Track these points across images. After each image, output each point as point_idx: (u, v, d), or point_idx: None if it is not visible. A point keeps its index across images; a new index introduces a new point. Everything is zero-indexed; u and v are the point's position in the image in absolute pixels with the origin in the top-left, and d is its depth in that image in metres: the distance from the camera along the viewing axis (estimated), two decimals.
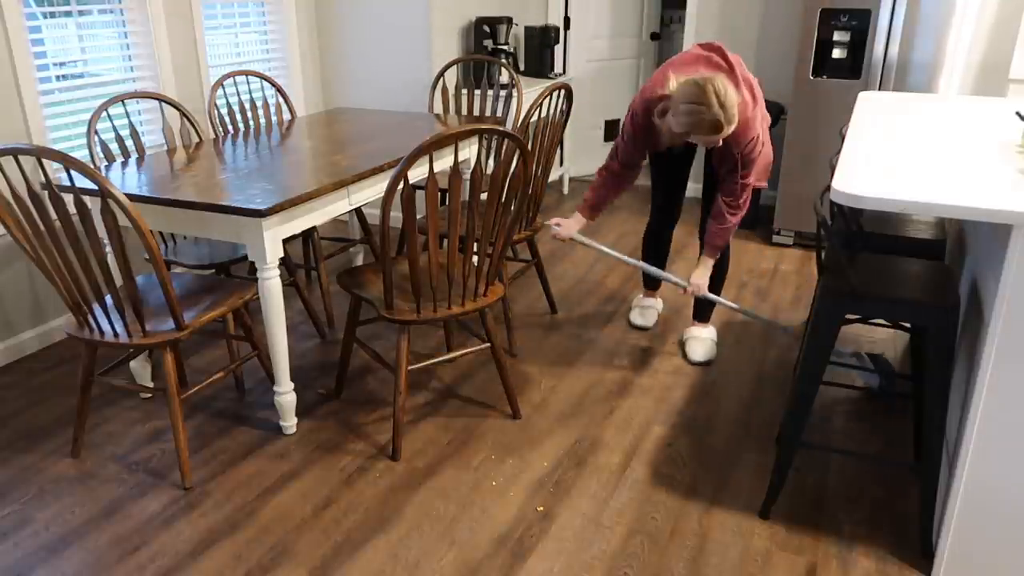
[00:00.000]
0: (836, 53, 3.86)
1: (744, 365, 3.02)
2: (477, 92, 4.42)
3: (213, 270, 2.90)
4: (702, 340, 3.07)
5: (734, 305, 2.91)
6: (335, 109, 3.76)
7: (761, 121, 2.63)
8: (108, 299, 2.50)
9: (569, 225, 2.91)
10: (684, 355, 3.08)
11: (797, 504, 2.24)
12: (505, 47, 4.45)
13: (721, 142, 2.53)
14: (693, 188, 4.98)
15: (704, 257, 2.84)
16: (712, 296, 2.91)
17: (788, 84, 4.74)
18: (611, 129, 5.73)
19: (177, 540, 2.11)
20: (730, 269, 3.94)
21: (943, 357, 1.87)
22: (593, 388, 2.86)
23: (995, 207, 1.58)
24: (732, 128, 2.43)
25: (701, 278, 2.83)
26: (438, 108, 4.31)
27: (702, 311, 3.11)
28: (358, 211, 3.51)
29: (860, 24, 3.77)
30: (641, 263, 2.98)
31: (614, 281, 3.82)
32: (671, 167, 3.01)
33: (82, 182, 2.45)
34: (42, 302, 3.16)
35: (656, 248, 3.24)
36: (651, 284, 3.35)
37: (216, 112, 3.33)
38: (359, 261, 3.96)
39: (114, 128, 2.86)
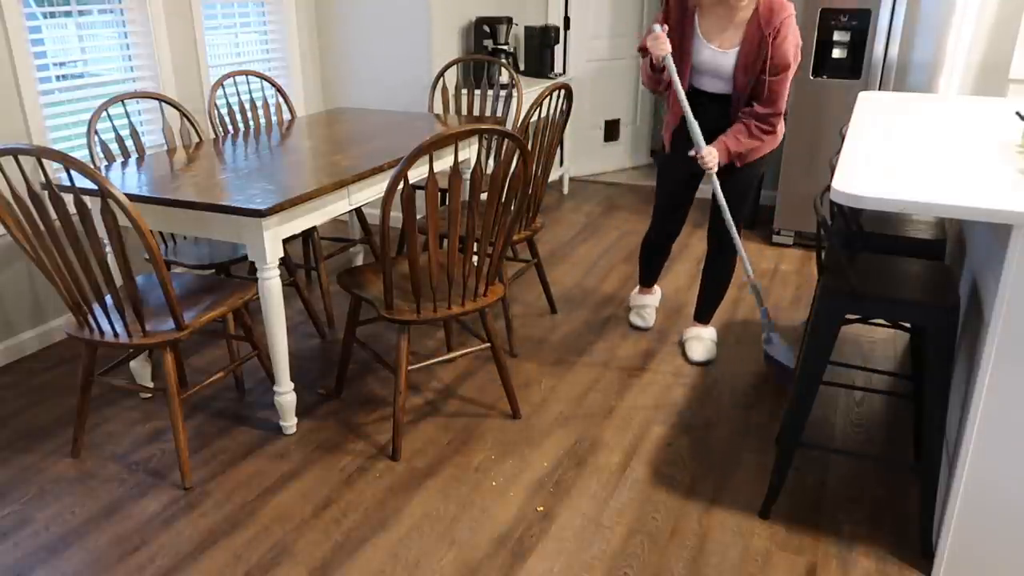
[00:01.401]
0: (836, 53, 3.86)
1: (744, 365, 3.02)
2: (477, 92, 4.42)
3: (213, 270, 2.90)
4: (702, 340, 3.06)
5: (744, 254, 2.85)
6: (335, 109, 3.76)
7: (792, 17, 2.55)
8: (108, 299, 2.50)
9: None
10: (684, 355, 3.08)
11: (797, 504, 2.24)
12: (505, 47, 4.46)
13: (751, 16, 2.50)
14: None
15: (723, 140, 2.67)
16: (717, 189, 2.76)
17: None
18: (611, 129, 5.73)
19: (177, 540, 2.11)
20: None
21: (943, 357, 1.87)
22: (593, 388, 2.86)
23: (995, 207, 1.58)
24: None
25: (717, 152, 2.66)
26: (438, 108, 4.31)
27: (704, 312, 3.09)
28: (358, 211, 3.51)
29: (860, 24, 3.77)
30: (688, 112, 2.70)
31: (614, 281, 3.82)
32: (679, 172, 2.92)
33: (82, 182, 2.45)
34: (42, 302, 3.16)
35: (651, 261, 3.21)
36: (647, 280, 3.33)
37: (216, 112, 3.33)
38: (359, 261, 3.96)
39: (114, 128, 2.86)
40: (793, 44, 2.55)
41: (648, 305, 3.34)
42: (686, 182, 2.93)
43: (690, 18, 2.65)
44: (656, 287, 3.39)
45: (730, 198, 2.84)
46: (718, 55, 2.64)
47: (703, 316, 3.10)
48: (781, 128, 2.74)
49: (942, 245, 2.37)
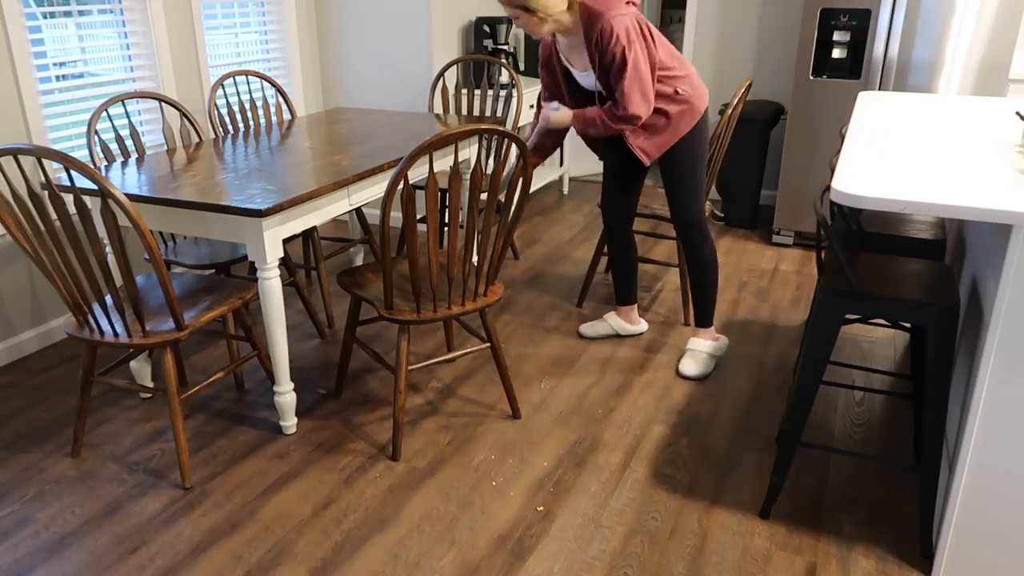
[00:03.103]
0: (836, 53, 3.86)
1: (744, 365, 3.02)
2: (477, 92, 4.42)
3: (213, 270, 2.90)
4: (694, 354, 2.95)
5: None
6: (335, 109, 3.76)
7: (635, 35, 2.55)
8: (108, 299, 2.50)
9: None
10: (677, 369, 2.99)
11: (797, 504, 2.24)
12: (505, 47, 4.46)
13: (581, 35, 2.60)
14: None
15: (586, 111, 2.71)
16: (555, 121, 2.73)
17: (788, 84, 4.74)
18: None
19: (177, 540, 2.11)
20: (731, 269, 3.95)
21: (943, 357, 1.87)
22: (593, 388, 2.86)
23: (995, 207, 1.58)
24: (516, 10, 2.54)
25: (559, 112, 2.72)
26: (438, 108, 4.31)
27: (695, 314, 3.01)
28: (358, 211, 3.51)
29: (860, 24, 3.77)
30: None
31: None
32: (621, 161, 2.96)
33: (82, 182, 2.45)
34: (42, 302, 3.16)
35: (622, 251, 3.12)
36: (625, 298, 3.21)
37: (216, 112, 3.33)
38: (359, 261, 3.96)
39: (114, 128, 2.86)
40: (620, 47, 2.52)
41: (606, 323, 3.24)
42: (626, 166, 2.98)
43: (557, 57, 2.78)
44: (637, 315, 3.25)
45: (667, 189, 2.86)
46: (584, 76, 2.75)
47: (695, 318, 3.02)
48: (690, 105, 2.70)
49: (942, 245, 2.37)
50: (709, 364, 2.95)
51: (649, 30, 2.62)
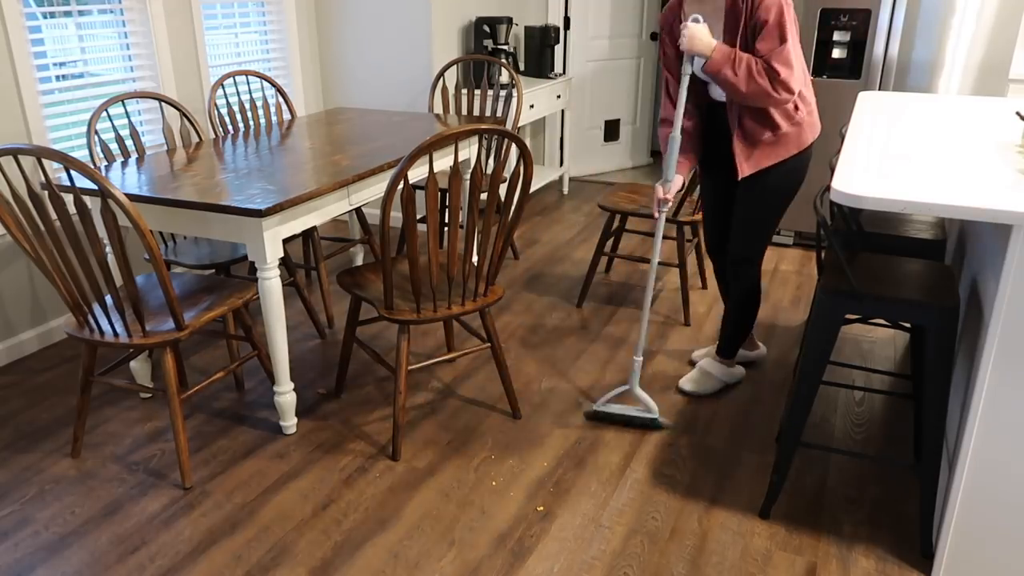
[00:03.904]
0: (836, 53, 3.86)
1: (744, 365, 3.01)
2: (477, 92, 4.42)
3: (213, 270, 2.90)
4: (699, 369, 2.83)
5: (644, 325, 2.61)
6: (335, 109, 3.76)
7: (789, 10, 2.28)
8: (108, 299, 2.50)
9: (675, 186, 2.51)
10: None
11: (797, 504, 2.24)
12: (505, 47, 4.46)
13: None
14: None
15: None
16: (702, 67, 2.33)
17: None
18: (611, 129, 5.73)
19: (177, 540, 2.11)
20: None
21: (943, 357, 1.87)
22: (593, 388, 2.86)
23: (995, 207, 1.58)
24: None
25: (702, 29, 2.31)
26: (438, 108, 4.31)
27: (721, 344, 2.81)
28: (358, 211, 3.51)
29: (860, 24, 3.77)
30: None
31: (614, 282, 3.82)
32: (718, 187, 2.71)
33: (82, 182, 2.45)
34: (42, 302, 3.16)
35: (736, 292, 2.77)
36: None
37: (216, 112, 3.33)
38: (359, 261, 3.96)
39: (114, 128, 2.86)
40: (778, 7, 2.25)
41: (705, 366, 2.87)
42: (726, 190, 2.71)
43: (679, 33, 2.48)
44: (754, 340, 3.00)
45: (737, 217, 2.57)
46: None
47: (718, 344, 2.82)
48: (801, 130, 2.43)
49: (942, 245, 2.37)
50: (707, 383, 2.80)
51: (794, 23, 2.32)
